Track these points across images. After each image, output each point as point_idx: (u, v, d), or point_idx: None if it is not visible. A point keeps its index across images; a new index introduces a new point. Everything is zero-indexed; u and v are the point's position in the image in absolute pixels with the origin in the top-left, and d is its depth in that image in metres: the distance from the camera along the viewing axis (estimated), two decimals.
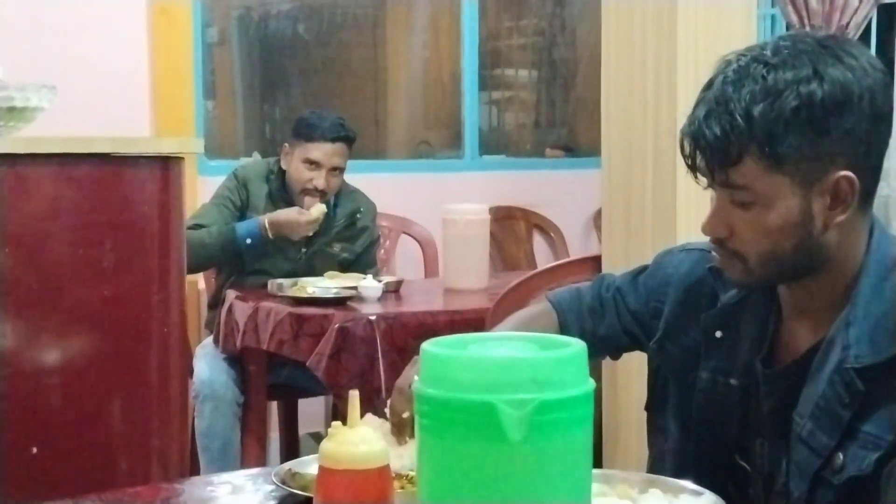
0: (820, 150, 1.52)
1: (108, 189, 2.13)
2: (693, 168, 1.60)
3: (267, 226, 3.95)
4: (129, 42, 4.72)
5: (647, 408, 1.92)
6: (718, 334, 1.74)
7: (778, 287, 1.68)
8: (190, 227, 3.88)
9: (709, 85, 1.58)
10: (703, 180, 1.61)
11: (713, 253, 1.66)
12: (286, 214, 3.95)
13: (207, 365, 3.89)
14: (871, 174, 1.58)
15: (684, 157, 1.61)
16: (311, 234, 3.96)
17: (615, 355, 2.03)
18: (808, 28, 5.85)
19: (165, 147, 2.22)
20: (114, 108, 4.26)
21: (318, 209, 3.90)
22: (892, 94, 1.58)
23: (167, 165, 2.17)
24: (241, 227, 4.01)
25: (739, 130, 1.50)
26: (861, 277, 1.59)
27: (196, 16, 5.07)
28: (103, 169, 2.13)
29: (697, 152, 1.56)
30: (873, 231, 1.63)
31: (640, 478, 1.65)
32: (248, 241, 3.98)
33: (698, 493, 1.58)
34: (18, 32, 4.29)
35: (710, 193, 1.64)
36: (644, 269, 1.97)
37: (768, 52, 1.54)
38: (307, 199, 3.96)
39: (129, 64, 4.71)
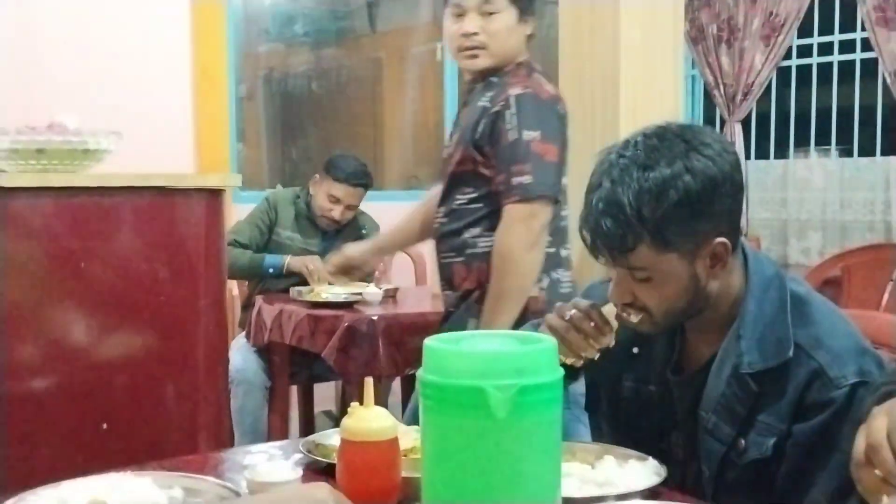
0: (698, 229, 1.52)
1: (164, 215, 2.13)
2: (593, 253, 1.58)
3: (286, 265, 4.00)
4: (177, 96, 4.73)
5: (587, 408, 1.90)
6: (635, 350, 1.72)
7: None
8: (230, 243, 3.93)
9: (598, 184, 1.54)
10: (601, 259, 1.59)
11: (623, 313, 1.62)
12: (301, 265, 3.98)
13: (240, 356, 3.88)
14: (736, 231, 1.59)
15: (585, 244, 1.59)
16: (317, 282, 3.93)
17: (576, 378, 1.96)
18: (719, 87, 5.90)
19: (211, 182, 2.22)
20: (165, 150, 4.25)
21: (320, 279, 3.89)
22: (740, 168, 1.59)
23: (211, 196, 2.17)
24: (268, 260, 4.04)
25: (632, 226, 1.49)
26: (746, 297, 1.59)
27: (230, 75, 5.06)
28: (160, 199, 2.12)
29: (598, 242, 1.54)
30: (747, 258, 1.64)
31: (596, 447, 1.65)
32: (271, 270, 4.03)
33: (643, 459, 1.59)
34: (89, 89, 4.29)
35: None
36: None
37: (641, 154, 1.52)
38: (311, 270, 3.96)
39: (177, 114, 4.72)
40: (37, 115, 2.37)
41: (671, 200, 1.49)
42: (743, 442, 1.55)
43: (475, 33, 2.55)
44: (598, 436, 1.84)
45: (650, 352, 1.72)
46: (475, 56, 2.60)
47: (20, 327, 1.99)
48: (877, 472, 1.12)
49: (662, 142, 1.54)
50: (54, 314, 2.01)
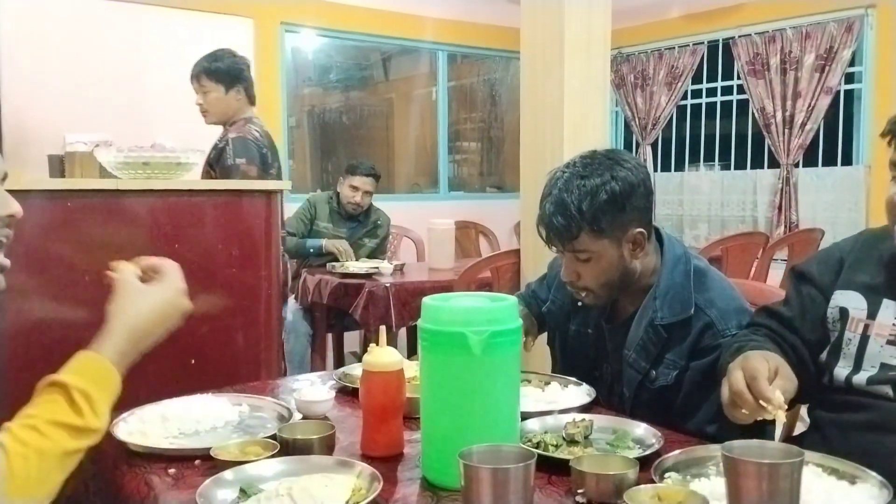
0: (622, 220, 1.53)
1: (235, 211, 2.11)
2: (548, 243, 1.59)
3: (324, 246, 3.98)
4: None
5: (548, 343, 1.90)
6: (579, 304, 1.72)
7: None
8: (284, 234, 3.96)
9: (548, 193, 1.56)
10: (554, 248, 1.60)
11: (570, 288, 1.64)
12: (333, 247, 3.96)
13: (291, 313, 3.87)
14: (649, 224, 1.59)
15: (541, 237, 1.60)
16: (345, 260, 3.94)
17: (543, 329, 1.96)
18: (635, 120, 5.89)
19: (269, 186, 2.20)
20: None
21: (348, 257, 3.92)
22: (650, 178, 1.60)
23: (270, 197, 2.15)
24: (310, 242, 4.03)
25: (575, 219, 1.51)
26: (661, 269, 1.60)
27: (283, 110, 5.04)
28: (233, 199, 2.11)
29: (551, 235, 1.56)
30: (662, 239, 1.64)
31: (545, 376, 1.66)
32: (311, 250, 4.01)
33: (579, 384, 1.59)
34: (182, 119, 4.26)
35: None
36: (545, 274, 1.93)
37: (579, 169, 1.54)
38: (341, 251, 3.95)
39: None
40: (143, 137, 2.37)
41: (602, 199, 1.50)
42: (654, 373, 1.56)
43: (200, 104, 3.10)
44: (555, 363, 1.84)
45: (589, 306, 1.72)
46: (205, 115, 3.13)
47: None
48: (743, 410, 1.16)
49: (594, 160, 1.56)
50: None
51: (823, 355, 1.37)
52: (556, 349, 1.83)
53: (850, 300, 1.34)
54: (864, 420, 1.27)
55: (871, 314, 1.31)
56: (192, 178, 2.19)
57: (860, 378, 1.29)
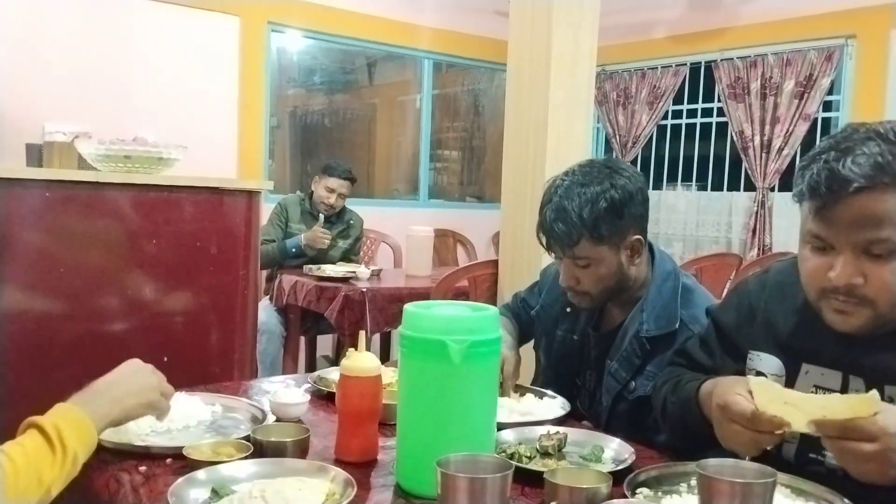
0: (622, 228, 1.56)
1: (215, 208, 2.10)
2: (548, 249, 1.61)
3: (303, 242, 3.93)
4: (226, 124, 4.70)
5: (535, 347, 1.91)
6: (568, 310, 1.76)
7: None
8: (261, 243, 3.92)
9: (549, 200, 1.58)
10: (553, 254, 1.62)
11: (569, 293, 1.65)
12: (312, 236, 3.92)
13: (265, 313, 3.83)
14: (645, 232, 1.61)
15: (542, 244, 1.62)
16: (325, 245, 3.92)
17: (532, 334, 1.93)
18: (615, 137, 5.94)
19: (249, 185, 2.19)
20: (216, 162, 4.23)
21: (325, 236, 3.91)
22: (646, 187, 1.62)
23: (250, 196, 2.15)
24: (289, 242, 3.98)
25: (576, 226, 1.53)
26: (650, 283, 1.62)
27: (265, 110, 5.00)
28: (213, 196, 2.09)
29: (551, 241, 1.58)
30: (654, 253, 1.66)
31: (520, 387, 1.66)
32: (293, 250, 3.96)
33: (554, 397, 1.60)
34: (165, 115, 4.24)
35: None
36: (536, 283, 1.95)
37: (579, 177, 1.57)
38: (319, 235, 3.93)
39: (226, 136, 4.69)
40: (125, 131, 2.35)
41: (602, 207, 1.52)
42: (633, 384, 1.57)
43: None
44: (539, 367, 1.85)
45: (578, 313, 1.75)
46: None
47: (105, 285, 1.96)
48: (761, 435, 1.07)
49: (592, 169, 1.58)
50: (131, 276, 1.98)
51: None
52: (541, 353, 1.85)
53: (766, 365, 1.26)
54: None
55: (790, 382, 1.23)
56: (174, 174, 2.17)
57: (787, 450, 1.22)
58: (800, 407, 1.02)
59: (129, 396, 1.16)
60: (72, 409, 1.07)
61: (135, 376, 1.21)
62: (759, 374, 1.27)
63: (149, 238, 1.98)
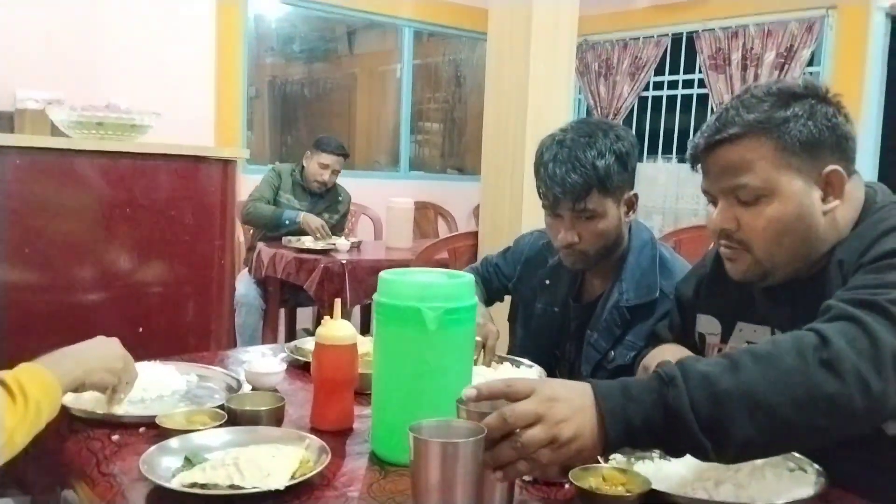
0: (625, 181, 1.56)
1: (190, 176, 2.08)
2: (553, 207, 1.57)
3: (301, 220, 3.85)
4: (204, 91, 4.63)
5: (509, 319, 1.92)
6: (547, 282, 1.76)
7: None
8: (257, 199, 3.90)
9: (553, 155, 1.54)
10: (558, 210, 1.58)
11: (563, 252, 1.62)
12: (312, 223, 3.83)
13: (244, 285, 3.82)
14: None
15: (547, 201, 1.57)
16: (316, 236, 3.82)
17: (499, 299, 1.97)
18: (597, 108, 5.93)
19: (225, 153, 2.16)
20: (194, 132, 4.12)
21: (321, 234, 3.80)
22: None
23: (226, 165, 2.12)
24: (286, 214, 3.91)
25: (590, 176, 1.52)
26: (629, 252, 1.62)
27: (243, 79, 4.93)
28: (188, 164, 2.07)
29: (562, 194, 1.53)
30: (630, 224, 1.66)
31: (497, 356, 1.66)
32: (287, 222, 3.89)
33: (530, 365, 1.60)
34: (140, 82, 4.16)
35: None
36: (508, 248, 1.95)
37: (581, 131, 1.55)
38: (318, 233, 3.81)
39: (203, 105, 4.62)
40: (99, 99, 2.30)
41: (611, 158, 1.53)
42: (613, 353, 1.58)
43: None
44: (515, 339, 1.85)
45: (558, 284, 1.74)
46: None
47: (78, 255, 1.94)
48: None
49: (590, 125, 1.59)
50: (105, 246, 1.96)
51: None
52: (518, 326, 1.85)
53: (706, 325, 1.34)
54: None
55: (724, 338, 1.30)
56: (148, 141, 2.14)
57: None
58: None
59: (93, 360, 1.16)
60: (33, 365, 1.07)
61: (102, 344, 1.21)
62: (699, 334, 1.35)
63: (122, 206, 1.95)
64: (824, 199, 1.12)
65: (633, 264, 1.60)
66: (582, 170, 1.51)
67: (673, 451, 0.96)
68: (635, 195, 1.60)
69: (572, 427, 0.90)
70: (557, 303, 1.73)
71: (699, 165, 1.21)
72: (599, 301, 1.63)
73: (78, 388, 1.15)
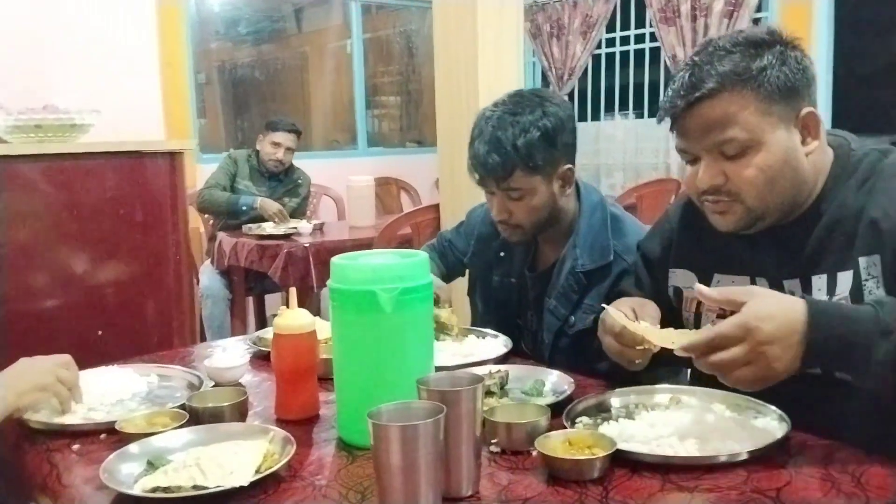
0: (553, 157, 1.54)
1: (137, 173, 2.03)
2: (481, 184, 1.59)
3: (258, 206, 3.82)
4: (148, 83, 4.48)
5: (469, 293, 1.91)
6: (502, 254, 1.75)
7: None
8: (212, 187, 3.83)
9: (480, 132, 1.55)
10: (486, 188, 1.60)
11: (500, 227, 1.64)
12: (269, 208, 3.80)
13: (207, 277, 3.78)
14: (574, 163, 1.60)
15: (474, 178, 1.59)
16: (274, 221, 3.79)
17: (460, 274, 1.97)
18: (551, 70, 5.91)
19: (171, 146, 2.12)
20: (141, 125, 4.04)
21: (280, 218, 3.79)
22: (574, 116, 1.61)
23: (174, 158, 2.07)
24: (243, 199, 3.86)
25: (510, 156, 1.51)
26: (580, 217, 1.62)
27: (189, 66, 4.83)
28: (133, 161, 2.02)
29: (485, 174, 1.55)
30: (579, 188, 1.66)
31: (461, 328, 1.66)
32: (244, 208, 3.84)
33: (495, 336, 1.61)
34: (78, 78, 4.04)
35: None
36: (462, 223, 1.95)
37: (510, 106, 1.54)
38: (276, 217, 3.80)
39: (148, 96, 4.48)
40: (34, 99, 2.23)
41: (535, 135, 1.51)
42: (572, 318, 1.58)
43: None
44: (476, 313, 1.84)
45: (512, 255, 1.74)
46: None
47: (29, 262, 1.89)
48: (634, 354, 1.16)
49: (522, 98, 1.57)
50: (55, 251, 1.92)
51: None
52: (477, 300, 1.84)
53: (682, 279, 1.33)
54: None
55: None
56: (91, 140, 2.08)
57: None
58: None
59: (21, 383, 1.15)
60: None
61: (25, 364, 1.20)
62: (676, 289, 1.34)
63: (68, 209, 1.91)
64: (804, 142, 1.14)
65: (584, 229, 1.59)
66: (503, 151, 1.50)
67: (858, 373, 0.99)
68: (570, 169, 1.57)
69: (776, 350, 0.95)
70: (514, 273, 1.73)
71: (675, 126, 1.18)
72: (554, 268, 1.62)
73: (13, 414, 1.13)
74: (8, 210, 1.86)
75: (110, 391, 1.30)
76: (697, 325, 1.30)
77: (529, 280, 1.70)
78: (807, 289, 1.17)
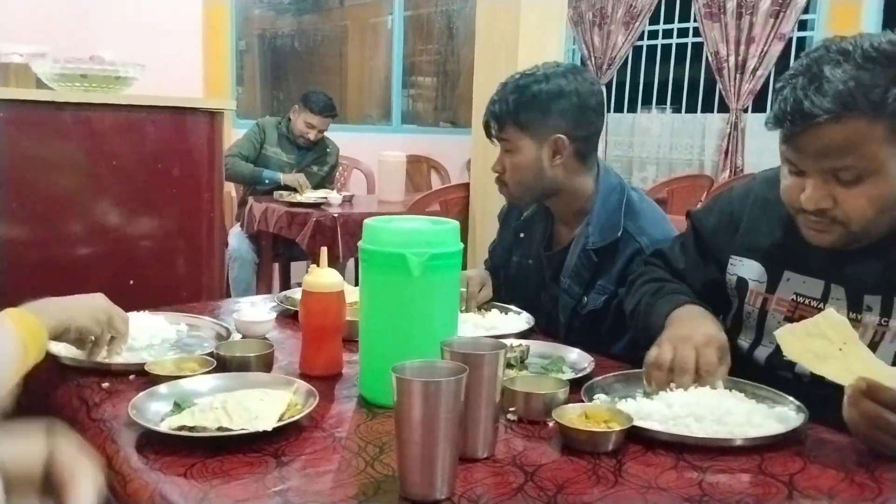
0: (546, 123, 1.58)
1: (177, 128, 2.05)
2: (489, 135, 1.67)
3: (281, 180, 3.87)
4: (191, 44, 4.53)
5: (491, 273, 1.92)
6: (522, 235, 1.79)
7: (550, 207, 1.71)
8: (234, 155, 3.84)
9: (500, 87, 1.64)
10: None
11: (496, 182, 1.69)
12: (293, 180, 3.85)
13: (236, 240, 3.83)
14: (582, 141, 1.60)
15: (485, 129, 1.68)
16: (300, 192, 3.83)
17: None
18: (591, 58, 5.86)
19: (212, 104, 2.14)
20: (182, 86, 4.08)
21: (305, 188, 3.83)
22: (596, 97, 1.61)
23: (213, 116, 2.09)
24: (266, 174, 3.91)
25: (504, 110, 1.59)
26: (595, 197, 1.62)
27: (231, 32, 4.86)
28: (174, 116, 2.04)
29: (485, 119, 1.66)
30: (599, 170, 1.66)
31: (485, 303, 1.67)
32: (267, 182, 3.89)
33: (518, 312, 1.62)
34: (124, 33, 4.09)
35: None
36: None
37: (533, 69, 1.63)
38: (301, 184, 3.85)
39: (190, 57, 4.53)
40: (80, 49, 2.26)
41: (527, 96, 1.57)
42: (585, 299, 1.59)
43: None
44: (497, 293, 1.86)
45: (531, 236, 1.77)
46: None
47: (67, 209, 1.93)
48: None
49: (549, 66, 1.62)
50: (92, 200, 1.95)
51: (728, 321, 1.36)
52: (500, 283, 1.85)
53: (749, 271, 1.30)
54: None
55: (771, 288, 1.27)
56: (133, 94, 2.11)
57: (760, 354, 1.29)
58: (842, 358, 0.99)
59: (77, 308, 1.18)
60: (18, 309, 1.08)
61: (86, 297, 1.23)
62: (739, 279, 1.32)
63: (108, 159, 1.93)
64: None
65: (599, 209, 1.61)
66: (501, 102, 1.60)
67: None
68: (560, 139, 1.58)
69: None
70: (531, 255, 1.76)
71: (781, 133, 1.11)
72: (569, 248, 1.64)
73: (62, 334, 1.15)
74: (50, 156, 1.90)
75: (141, 336, 1.33)
76: (762, 321, 1.29)
77: (545, 260, 1.72)
78: (887, 307, 1.14)
